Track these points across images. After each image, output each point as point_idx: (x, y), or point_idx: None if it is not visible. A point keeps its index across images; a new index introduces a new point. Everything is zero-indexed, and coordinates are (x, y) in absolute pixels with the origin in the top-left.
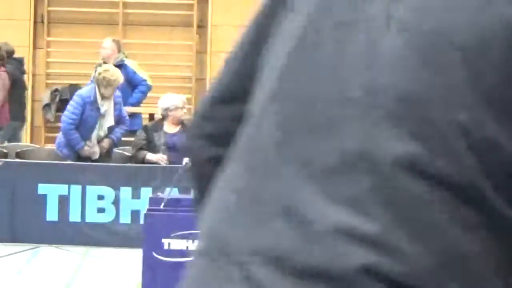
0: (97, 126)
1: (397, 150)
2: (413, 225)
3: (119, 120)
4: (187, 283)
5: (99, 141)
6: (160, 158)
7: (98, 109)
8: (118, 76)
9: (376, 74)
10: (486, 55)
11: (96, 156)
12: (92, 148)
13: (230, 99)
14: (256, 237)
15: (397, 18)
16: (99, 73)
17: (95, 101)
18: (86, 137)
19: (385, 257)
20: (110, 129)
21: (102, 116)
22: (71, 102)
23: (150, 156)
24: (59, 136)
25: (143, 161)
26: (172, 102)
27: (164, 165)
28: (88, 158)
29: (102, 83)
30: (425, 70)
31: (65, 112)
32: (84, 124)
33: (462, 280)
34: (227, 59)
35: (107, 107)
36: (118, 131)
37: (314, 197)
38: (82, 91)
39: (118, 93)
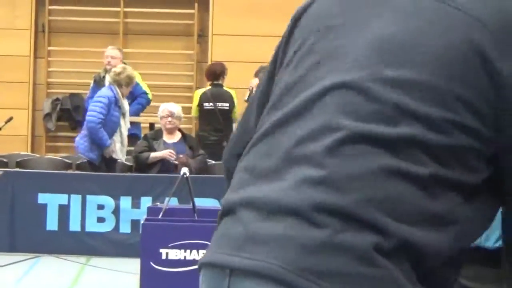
0: (123, 126)
1: (345, 124)
2: (344, 171)
3: None
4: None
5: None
6: (168, 153)
7: (119, 108)
8: (134, 72)
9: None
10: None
11: (124, 157)
12: (124, 148)
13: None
14: (243, 194)
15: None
16: (118, 74)
17: (118, 101)
18: (110, 137)
19: (328, 193)
20: None
21: (124, 115)
22: (96, 103)
23: (155, 153)
24: (82, 142)
25: (146, 163)
26: (160, 112)
27: (173, 160)
28: (107, 163)
29: (125, 81)
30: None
31: (92, 113)
32: (108, 124)
33: (383, 206)
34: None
35: (127, 106)
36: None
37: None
38: (104, 93)
39: None
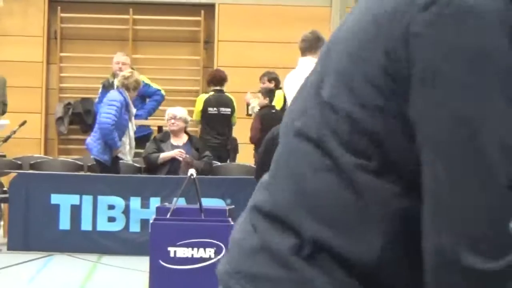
0: (130, 128)
1: (291, 126)
2: (283, 172)
3: None
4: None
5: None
6: (177, 153)
7: (128, 112)
8: (141, 77)
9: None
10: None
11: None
12: (132, 150)
13: None
14: (253, 198)
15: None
16: (126, 78)
17: (128, 104)
18: (120, 139)
19: (269, 196)
20: None
21: (131, 118)
22: (110, 107)
23: (165, 153)
24: (96, 144)
25: (156, 164)
26: (165, 115)
27: (182, 159)
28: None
29: (133, 85)
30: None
31: (107, 115)
32: (119, 128)
33: (314, 214)
34: None
35: (134, 110)
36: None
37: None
38: (116, 97)
39: None
